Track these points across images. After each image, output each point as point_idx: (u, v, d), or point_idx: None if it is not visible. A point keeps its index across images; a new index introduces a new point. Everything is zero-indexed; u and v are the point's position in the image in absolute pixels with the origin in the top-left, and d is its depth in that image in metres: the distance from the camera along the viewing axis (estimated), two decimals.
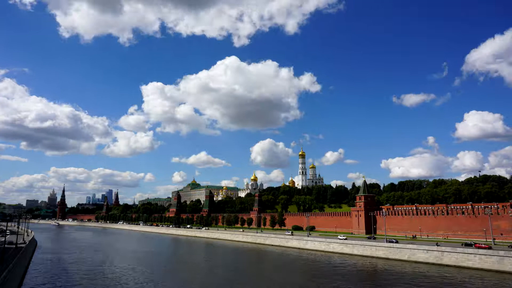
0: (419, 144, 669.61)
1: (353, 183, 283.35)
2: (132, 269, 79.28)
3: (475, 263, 76.29)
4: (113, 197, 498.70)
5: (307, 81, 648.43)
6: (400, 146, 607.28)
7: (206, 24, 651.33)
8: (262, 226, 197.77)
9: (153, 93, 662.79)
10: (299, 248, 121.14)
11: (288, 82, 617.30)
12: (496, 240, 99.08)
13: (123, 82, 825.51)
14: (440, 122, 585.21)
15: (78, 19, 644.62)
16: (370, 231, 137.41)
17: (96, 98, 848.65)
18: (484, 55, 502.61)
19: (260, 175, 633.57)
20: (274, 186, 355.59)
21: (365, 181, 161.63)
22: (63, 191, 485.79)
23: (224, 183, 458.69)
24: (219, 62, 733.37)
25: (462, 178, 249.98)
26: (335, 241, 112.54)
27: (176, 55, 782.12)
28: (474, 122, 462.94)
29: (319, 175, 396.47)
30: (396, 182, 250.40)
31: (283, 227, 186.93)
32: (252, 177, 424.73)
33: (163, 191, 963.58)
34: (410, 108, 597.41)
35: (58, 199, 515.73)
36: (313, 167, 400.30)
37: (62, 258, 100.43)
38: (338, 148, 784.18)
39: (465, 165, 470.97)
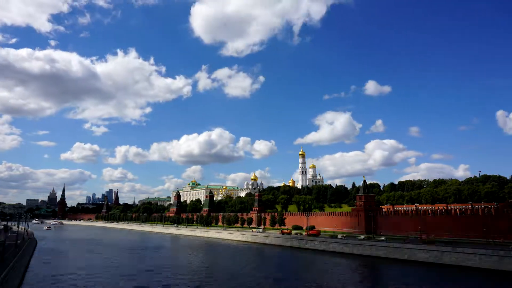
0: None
1: (353, 183, 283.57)
2: (131, 266, 79.21)
3: (475, 263, 76.35)
4: (113, 197, 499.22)
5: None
6: None
7: None
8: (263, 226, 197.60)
9: None
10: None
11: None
12: (496, 240, 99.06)
13: None
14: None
15: None
16: (370, 231, 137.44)
17: None
18: None
19: None
20: (274, 186, 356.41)
21: (365, 181, 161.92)
22: (63, 190, 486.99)
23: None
24: None
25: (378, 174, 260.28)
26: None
27: None
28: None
29: (320, 174, 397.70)
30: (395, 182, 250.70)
31: (283, 226, 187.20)
32: (252, 177, 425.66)
33: None
34: None
35: (59, 198, 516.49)
36: (313, 167, 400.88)
37: (62, 257, 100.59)
38: None
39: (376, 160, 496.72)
